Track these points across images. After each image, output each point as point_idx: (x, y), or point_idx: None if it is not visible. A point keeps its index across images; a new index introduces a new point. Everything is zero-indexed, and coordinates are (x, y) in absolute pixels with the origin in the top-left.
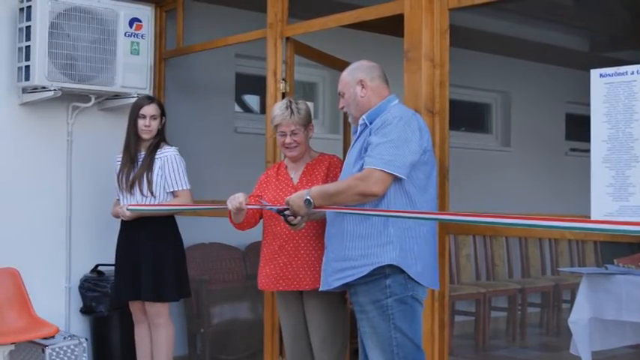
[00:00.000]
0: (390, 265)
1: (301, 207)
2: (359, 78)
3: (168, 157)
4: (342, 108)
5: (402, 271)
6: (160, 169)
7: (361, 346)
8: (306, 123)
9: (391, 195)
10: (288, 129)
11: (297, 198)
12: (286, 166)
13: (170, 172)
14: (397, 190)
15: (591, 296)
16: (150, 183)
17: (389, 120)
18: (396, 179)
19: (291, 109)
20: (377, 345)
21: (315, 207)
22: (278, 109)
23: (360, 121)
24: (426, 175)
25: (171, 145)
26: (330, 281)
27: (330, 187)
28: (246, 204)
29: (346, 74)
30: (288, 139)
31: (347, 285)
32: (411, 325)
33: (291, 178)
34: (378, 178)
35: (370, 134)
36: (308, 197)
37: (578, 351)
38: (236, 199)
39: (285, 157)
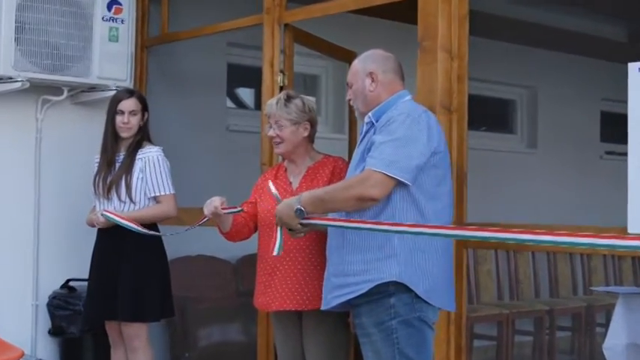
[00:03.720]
0: (395, 282)
1: (292, 218)
2: (369, 69)
3: (150, 157)
4: (349, 100)
5: (409, 289)
6: (140, 172)
7: None
8: (296, 119)
9: (396, 203)
10: (273, 120)
11: (285, 208)
12: (286, 169)
13: (152, 175)
14: (403, 197)
15: (629, 319)
16: (128, 187)
17: (394, 117)
18: (401, 184)
19: (278, 100)
20: None
21: (307, 217)
22: (272, 98)
23: (366, 119)
24: (437, 181)
25: (155, 145)
26: (329, 299)
27: (323, 191)
28: (223, 208)
29: (357, 63)
30: (271, 132)
31: (349, 304)
32: (418, 351)
33: (291, 183)
34: (377, 180)
35: (375, 133)
36: (299, 206)
37: None
38: (211, 204)
39: (283, 158)
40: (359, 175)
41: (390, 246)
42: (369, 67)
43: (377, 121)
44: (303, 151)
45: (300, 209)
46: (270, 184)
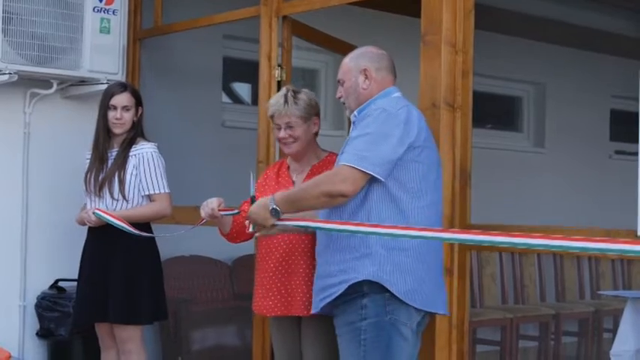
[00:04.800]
0: (370, 282)
1: (267, 219)
2: (363, 66)
3: (144, 154)
4: (340, 98)
5: (384, 290)
6: (134, 169)
7: None
8: (307, 116)
9: (374, 200)
10: (283, 121)
11: (260, 209)
12: (289, 167)
13: (146, 172)
14: (381, 193)
15: (638, 324)
16: (122, 184)
17: (371, 111)
18: (376, 180)
19: (286, 98)
20: None
21: (281, 218)
22: (274, 97)
23: (352, 117)
24: (420, 177)
25: (149, 141)
26: (317, 302)
27: (295, 189)
28: (220, 209)
29: (348, 60)
30: (282, 133)
31: (334, 306)
32: (385, 355)
33: (294, 182)
34: (345, 175)
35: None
36: (274, 206)
37: None
38: (208, 206)
39: (281, 155)
40: (329, 171)
41: (365, 245)
42: (363, 64)
43: None
44: (311, 148)
45: (276, 209)
46: (252, 176)
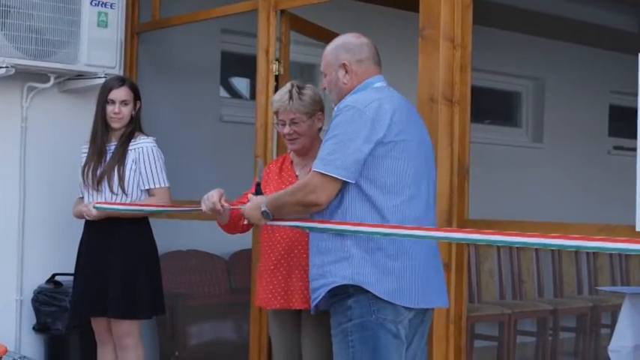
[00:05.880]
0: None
1: (259, 220)
2: (342, 61)
3: (144, 148)
4: (325, 89)
5: (368, 290)
6: (133, 163)
7: None
8: (312, 111)
9: (348, 200)
10: (287, 117)
11: (253, 209)
12: (292, 161)
13: (146, 167)
14: (356, 194)
15: (636, 320)
16: (121, 178)
17: (340, 109)
18: (349, 182)
19: (291, 94)
20: None
21: (274, 219)
22: (278, 93)
23: (334, 113)
24: (393, 173)
25: (148, 135)
26: (311, 302)
27: (278, 195)
28: (221, 203)
29: (329, 51)
30: (286, 129)
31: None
32: (373, 356)
33: (297, 176)
34: (315, 184)
35: None
36: (265, 209)
37: None
38: (209, 199)
39: (279, 150)
40: (302, 180)
41: (343, 248)
42: (342, 57)
43: None
44: (315, 143)
45: (266, 212)
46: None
